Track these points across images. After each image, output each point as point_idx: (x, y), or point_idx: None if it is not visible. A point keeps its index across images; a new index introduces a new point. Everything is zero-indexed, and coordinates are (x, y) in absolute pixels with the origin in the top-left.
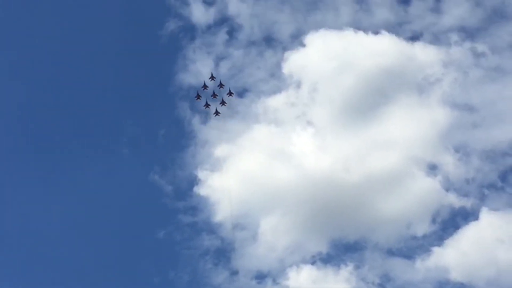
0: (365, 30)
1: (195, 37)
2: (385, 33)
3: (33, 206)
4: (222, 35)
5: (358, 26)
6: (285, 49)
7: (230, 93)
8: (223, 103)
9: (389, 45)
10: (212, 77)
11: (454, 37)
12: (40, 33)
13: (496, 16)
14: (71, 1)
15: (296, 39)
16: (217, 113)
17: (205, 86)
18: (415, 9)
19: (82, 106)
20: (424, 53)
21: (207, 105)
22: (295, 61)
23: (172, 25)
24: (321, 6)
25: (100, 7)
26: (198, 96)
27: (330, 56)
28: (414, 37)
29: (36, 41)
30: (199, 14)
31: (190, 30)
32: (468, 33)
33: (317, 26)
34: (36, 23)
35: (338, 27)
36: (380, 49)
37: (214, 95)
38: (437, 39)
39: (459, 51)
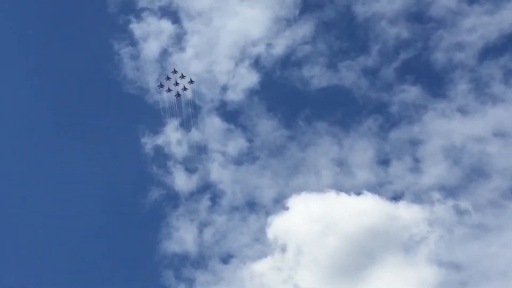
0: (347, 191)
1: (178, 204)
2: (367, 193)
3: None
4: (205, 202)
5: (340, 188)
6: (268, 213)
7: (191, 81)
8: (184, 89)
9: (372, 205)
10: (175, 71)
11: (436, 195)
12: None
13: (475, 174)
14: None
15: (279, 203)
16: (178, 95)
17: (168, 78)
18: (395, 169)
19: None
20: (408, 212)
21: (169, 90)
22: (279, 225)
23: (155, 193)
24: (302, 169)
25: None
26: (161, 85)
27: (313, 218)
28: (396, 197)
29: None
30: (182, 182)
31: (173, 198)
32: (449, 191)
33: (299, 189)
34: None
35: (320, 189)
36: (363, 210)
37: (176, 83)
38: (419, 198)
39: (443, 209)
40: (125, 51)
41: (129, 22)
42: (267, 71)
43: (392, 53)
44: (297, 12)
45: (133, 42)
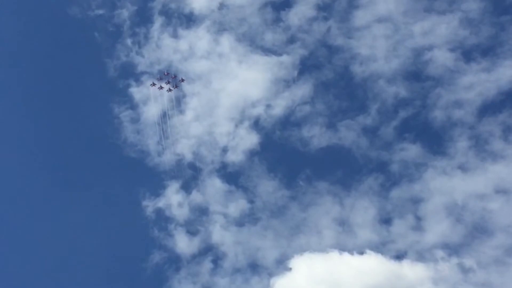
0: (350, 251)
1: (180, 267)
2: (370, 252)
3: None
4: (207, 264)
5: (342, 248)
6: (271, 274)
7: (182, 80)
8: (175, 86)
9: (376, 264)
10: (167, 73)
11: (440, 253)
12: None
13: (477, 231)
14: None
15: (281, 264)
16: (170, 90)
17: (159, 78)
18: (397, 228)
19: None
20: (412, 271)
21: (161, 87)
22: (282, 287)
23: (157, 256)
24: (304, 229)
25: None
26: (153, 84)
27: (317, 279)
28: (399, 256)
29: None
30: (184, 245)
31: (175, 261)
32: (453, 249)
33: (301, 250)
34: None
35: (323, 249)
36: (367, 269)
37: (168, 81)
38: (423, 256)
39: (447, 267)
40: (125, 115)
41: (128, 86)
42: (267, 132)
43: (391, 112)
44: (295, 73)
45: (133, 106)
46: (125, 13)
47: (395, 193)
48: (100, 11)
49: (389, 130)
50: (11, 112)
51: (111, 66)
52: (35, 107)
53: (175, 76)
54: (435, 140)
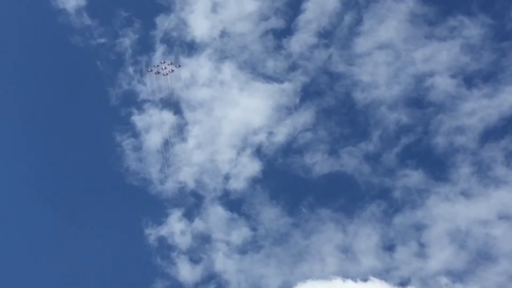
0: (353, 278)
1: None
2: (374, 279)
3: None
4: None
5: (346, 275)
6: None
7: (178, 66)
8: (171, 71)
9: None
10: (163, 61)
11: (444, 280)
12: None
13: (481, 257)
14: None
15: None
16: (166, 74)
17: (156, 65)
18: (400, 255)
19: None
20: None
21: (157, 72)
22: None
23: (159, 285)
24: (307, 257)
25: None
26: (151, 70)
27: None
28: (403, 283)
29: None
30: (186, 273)
31: None
32: (457, 276)
33: (304, 277)
34: None
35: (326, 276)
36: None
37: (164, 68)
38: (427, 283)
39: None
40: (127, 143)
41: (130, 114)
42: (269, 159)
43: (393, 138)
44: (297, 100)
45: (135, 134)
46: (127, 42)
47: (398, 219)
48: (102, 40)
49: (391, 157)
50: (13, 142)
51: (113, 94)
52: (37, 137)
53: (171, 63)
54: (437, 166)
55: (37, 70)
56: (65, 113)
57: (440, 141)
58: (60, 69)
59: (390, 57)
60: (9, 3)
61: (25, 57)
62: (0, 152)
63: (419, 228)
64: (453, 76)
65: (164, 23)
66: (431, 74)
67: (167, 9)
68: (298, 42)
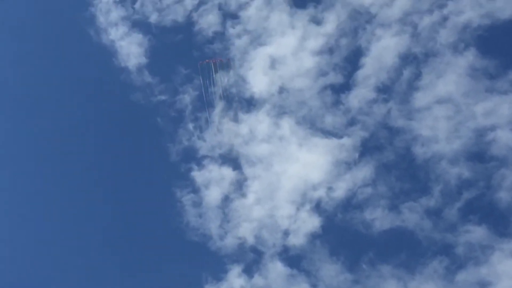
0: None
1: None
2: None
3: None
4: None
5: None
6: None
7: (227, 59)
8: (221, 60)
9: None
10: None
11: None
12: None
13: None
14: None
15: None
16: (215, 62)
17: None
18: None
19: None
20: None
21: (207, 61)
22: None
23: None
24: None
25: None
26: (201, 62)
27: None
28: None
29: None
30: None
31: None
32: None
33: None
34: None
35: None
36: None
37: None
38: None
39: None
40: (187, 199)
41: (190, 170)
42: (328, 214)
43: (454, 193)
44: (356, 155)
45: (195, 190)
46: (187, 98)
47: (461, 276)
48: (163, 97)
49: (453, 212)
50: (79, 200)
51: (173, 150)
52: (99, 195)
53: (221, 60)
54: (501, 222)
55: (99, 127)
56: (126, 170)
57: (503, 195)
58: (122, 126)
59: (450, 111)
60: (74, 63)
61: (88, 115)
62: (69, 215)
63: (483, 285)
64: None
65: (223, 79)
66: (493, 128)
67: (226, 66)
68: (356, 97)
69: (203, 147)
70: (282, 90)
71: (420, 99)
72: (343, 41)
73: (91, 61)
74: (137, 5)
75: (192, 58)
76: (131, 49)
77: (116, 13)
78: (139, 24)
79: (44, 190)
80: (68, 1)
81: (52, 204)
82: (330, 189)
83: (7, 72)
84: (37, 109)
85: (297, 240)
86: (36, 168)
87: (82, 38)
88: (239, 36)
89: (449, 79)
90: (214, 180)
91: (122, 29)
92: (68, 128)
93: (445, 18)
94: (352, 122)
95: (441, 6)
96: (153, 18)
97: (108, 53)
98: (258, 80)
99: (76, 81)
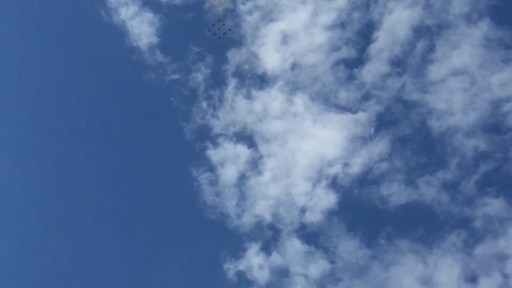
0: None
1: None
2: None
3: None
4: None
5: None
6: None
7: (229, 29)
8: (229, 29)
9: None
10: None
11: None
12: None
13: None
14: None
15: None
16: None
17: (213, 24)
18: (483, 286)
19: None
20: None
21: (219, 29)
22: None
23: None
24: None
25: None
26: (209, 29)
27: None
28: None
29: None
30: None
31: None
32: None
33: None
34: None
35: None
36: None
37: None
38: None
39: None
40: (203, 177)
41: (205, 148)
42: (345, 190)
43: (471, 166)
44: (372, 130)
45: (211, 168)
46: (199, 77)
47: (480, 249)
48: (176, 76)
49: (470, 185)
50: (92, 180)
51: (188, 129)
52: (116, 175)
53: (224, 24)
54: None
55: (113, 108)
56: (141, 150)
57: None
58: (136, 106)
59: (465, 83)
60: (85, 44)
61: (101, 95)
62: (79, 198)
63: (502, 258)
64: None
65: (235, 57)
66: (509, 99)
67: (238, 43)
68: (370, 72)
69: (217, 125)
70: (294, 66)
71: (435, 71)
72: (355, 15)
73: (102, 41)
74: None
75: (204, 36)
76: (142, 29)
77: None
78: (150, 3)
79: (62, 170)
80: None
81: (71, 185)
82: (346, 164)
83: (19, 54)
84: (51, 93)
85: (314, 217)
86: (53, 150)
87: (93, 19)
88: (250, 12)
89: (463, 51)
90: (229, 158)
91: (132, 8)
92: (82, 112)
93: None
94: (366, 97)
95: None
96: None
97: (119, 33)
98: (270, 57)
99: (87, 63)
